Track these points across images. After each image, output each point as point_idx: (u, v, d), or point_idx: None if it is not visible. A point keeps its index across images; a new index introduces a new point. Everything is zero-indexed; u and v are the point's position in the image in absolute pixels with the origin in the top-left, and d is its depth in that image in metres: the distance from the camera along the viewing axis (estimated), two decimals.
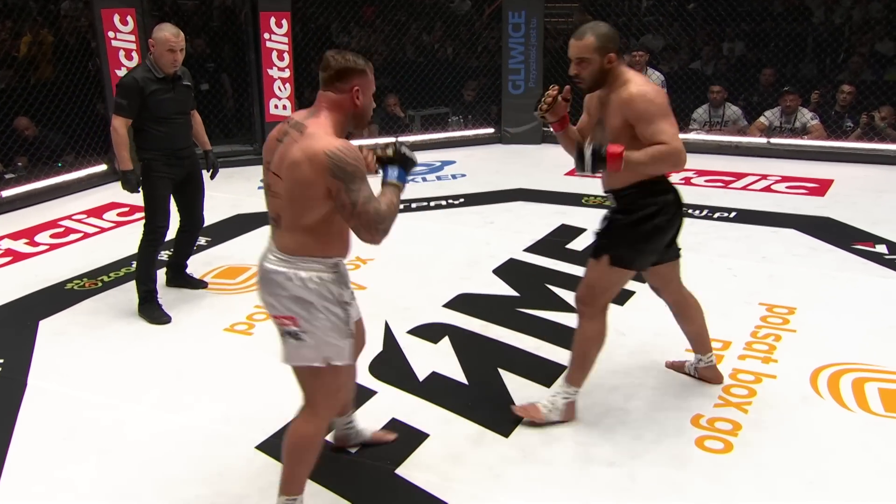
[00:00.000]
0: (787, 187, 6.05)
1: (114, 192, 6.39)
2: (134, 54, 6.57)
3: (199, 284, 4.40)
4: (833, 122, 6.94)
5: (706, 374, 3.21)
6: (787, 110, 6.97)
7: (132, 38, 6.54)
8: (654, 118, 2.58)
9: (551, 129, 2.95)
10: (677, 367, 3.30)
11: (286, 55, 7.05)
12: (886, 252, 4.61)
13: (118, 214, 5.83)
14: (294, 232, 2.22)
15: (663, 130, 2.57)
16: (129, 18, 6.49)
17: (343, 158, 2.09)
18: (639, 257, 2.81)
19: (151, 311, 3.99)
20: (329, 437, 2.76)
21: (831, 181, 6.18)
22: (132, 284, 4.38)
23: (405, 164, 2.33)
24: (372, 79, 2.27)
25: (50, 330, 3.90)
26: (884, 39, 7.29)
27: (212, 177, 4.38)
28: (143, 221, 4.06)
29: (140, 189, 4.00)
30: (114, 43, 6.47)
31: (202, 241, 5.11)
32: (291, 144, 2.16)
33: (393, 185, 2.28)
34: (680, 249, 2.99)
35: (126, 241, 5.16)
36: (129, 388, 3.31)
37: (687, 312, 3.09)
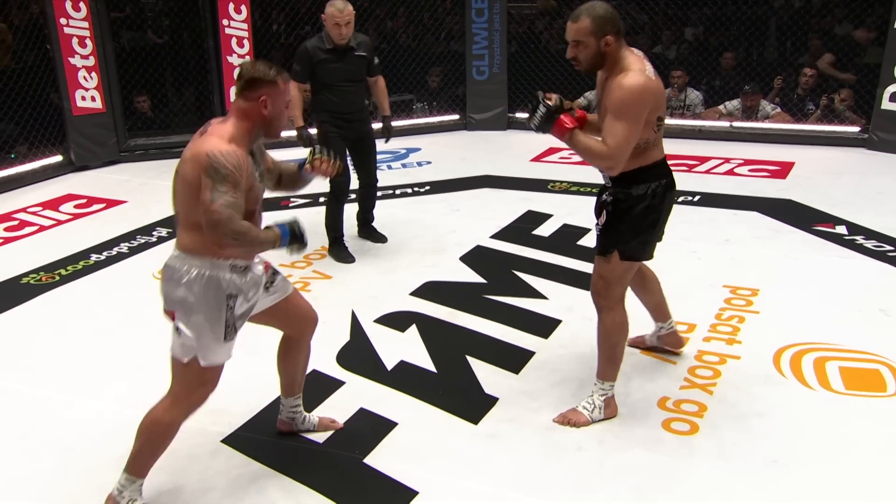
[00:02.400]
0: (750, 170, 6.12)
1: (70, 183, 6.27)
2: (88, 41, 6.40)
3: (381, 238, 4.78)
4: (794, 105, 7.04)
5: (669, 341, 3.26)
6: (749, 109, 7.04)
7: (85, 24, 6.36)
8: (617, 115, 2.53)
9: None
10: (637, 343, 3.31)
11: (246, 42, 6.93)
12: (846, 233, 4.69)
13: (75, 206, 5.70)
14: (187, 230, 2.29)
15: (615, 133, 2.52)
16: (81, 5, 6.31)
17: (221, 161, 2.16)
18: (647, 248, 2.81)
19: (338, 252, 4.53)
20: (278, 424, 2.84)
21: (792, 164, 6.27)
22: (91, 277, 4.32)
23: (293, 238, 2.32)
24: (284, 89, 2.32)
25: (6, 325, 3.80)
26: (842, 22, 7.38)
27: (385, 140, 4.75)
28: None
29: (311, 144, 4.32)
30: (66, 30, 6.29)
31: (163, 232, 5.03)
32: (191, 143, 2.27)
33: (275, 231, 2.29)
34: (661, 235, 2.95)
35: (84, 233, 5.06)
36: (89, 383, 3.24)
37: (648, 285, 3.12)
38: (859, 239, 4.57)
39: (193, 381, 2.37)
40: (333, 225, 4.58)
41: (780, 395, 3.03)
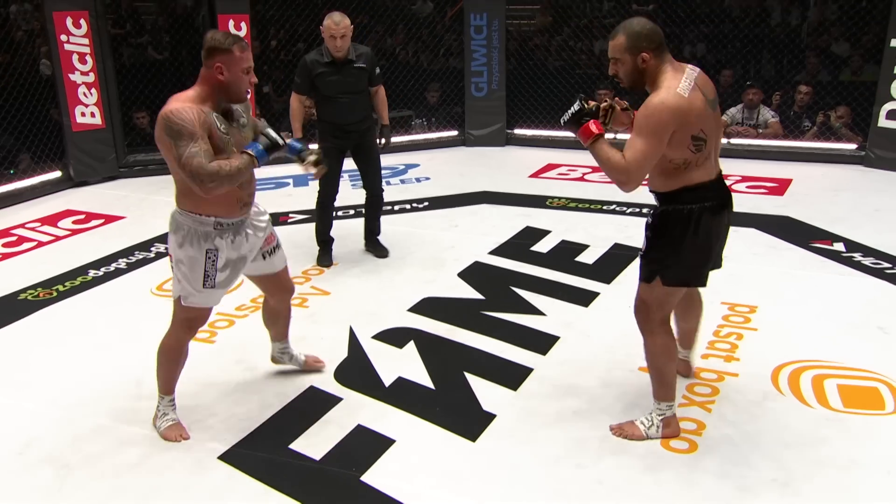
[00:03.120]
0: (748, 187, 6.14)
1: (68, 199, 6.28)
2: (88, 58, 6.43)
3: (383, 252, 4.81)
4: (791, 122, 7.08)
5: (680, 367, 3.16)
6: (750, 104, 7.08)
7: (86, 41, 6.40)
8: (637, 131, 2.48)
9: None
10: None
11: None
12: (844, 250, 4.70)
13: (73, 222, 5.70)
14: (177, 189, 2.66)
15: (633, 147, 2.47)
16: (82, 21, 6.35)
17: (171, 118, 2.47)
18: (693, 273, 2.70)
19: (321, 256, 4.70)
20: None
21: (790, 180, 6.29)
22: (89, 293, 4.32)
23: (267, 145, 2.62)
24: (241, 56, 2.56)
25: (4, 341, 3.79)
26: (839, 41, 7.44)
27: (382, 148, 4.76)
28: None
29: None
30: (66, 46, 6.32)
31: (161, 247, 5.02)
32: None
33: (246, 154, 2.59)
34: (721, 261, 2.87)
35: (82, 249, 5.06)
36: (87, 399, 3.22)
37: (689, 311, 3.06)
38: (857, 256, 4.58)
39: (179, 316, 2.79)
40: (319, 229, 4.72)
41: (778, 412, 3.02)
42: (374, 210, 4.83)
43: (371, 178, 4.70)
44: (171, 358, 2.88)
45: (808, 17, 7.69)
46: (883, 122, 6.53)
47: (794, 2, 7.81)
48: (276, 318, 3.21)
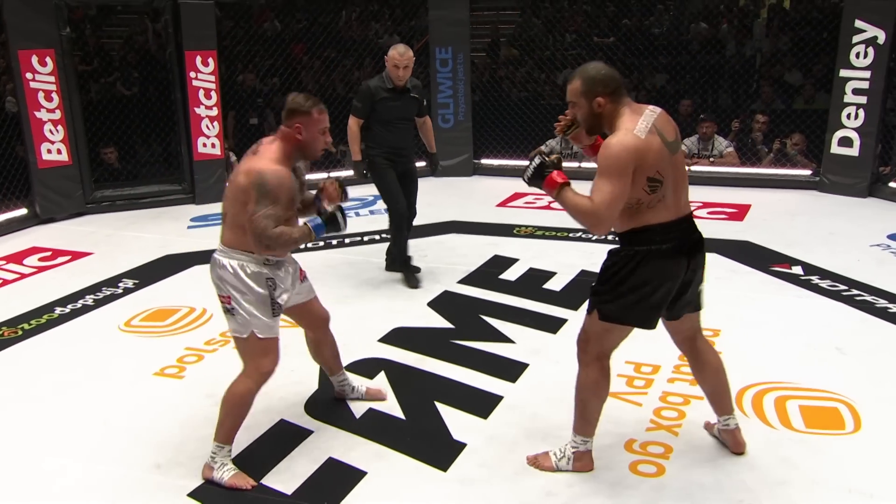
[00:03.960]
0: (709, 213, 6.29)
1: (34, 236, 6.21)
2: (54, 95, 6.42)
3: (413, 269, 4.90)
4: (749, 149, 7.28)
5: (724, 439, 2.98)
6: (704, 137, 7.30)
7: (52, 78, 6.39)
8: (601, 173, 2.48)
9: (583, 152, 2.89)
10: (709, 427, 3.09)
11: (213, 93, 6.99)
12: (802, 273, 4.83)
13: (39, 259, 5.64)
14: (232, 228, 2.77)
15: (600, 189, 2.46)
16: (48, 59, 6.34)
17: (266, 179, 2.64)
18: (630, 314, 2.64)
19: (408, 277, 4.86)
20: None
21: (749, 206, 6.45)
22: (55, 331, 4.28)
23: (330, 224, 2.85)
24: (318, 118, 2.76)
25: None
26: (791, 70, 7.70)
27: (432, 172, 5.19)
28: (386, 208, 4.90)
29: (367, 176, 4.86)
30: (32, 84, 6.30)
31: (129, 283, 5.00)
32: (245, 159, 2.77)
33: (306, 227, 2.79)
34: (698, 303, 2.83)
35: (48, 286, 5.01)
36: (53, 440, 3.18)
37: (702, 370, 2.90)
38: (815, 279, 4.71)
39: (256, 353, 2.81)
40: (397, 251, 4.92)
41: (742, 434, 3.08)
42: (405, 232, 4.97)
43: (413, 200, 4.94)
44: (241, 406, 2.84)
45: (762, 49, 7.94)
46: (835, 148, 6.75)
47: (747, 34, 8.07)
48: (321, 349, 3.25)
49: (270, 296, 2.78)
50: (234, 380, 2.84)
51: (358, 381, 3.44)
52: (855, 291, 4.51)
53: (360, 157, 4.82)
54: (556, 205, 6.54)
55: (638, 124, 2.50)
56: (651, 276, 2.58)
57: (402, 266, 4.93)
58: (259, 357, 2.81)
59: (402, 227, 4.85)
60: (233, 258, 2.76)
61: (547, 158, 2.61)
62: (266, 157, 2.71)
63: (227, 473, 2.81)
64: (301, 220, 2.90)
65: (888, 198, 6.58)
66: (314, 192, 3.05)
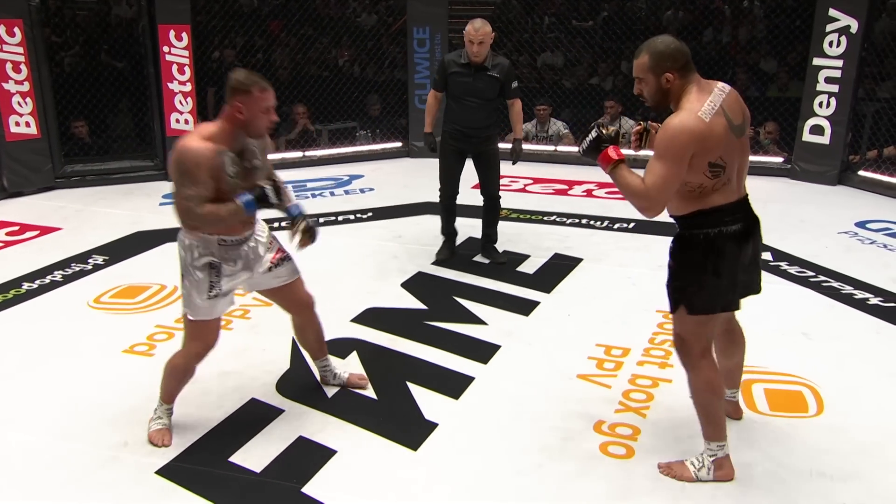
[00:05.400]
0: (745, 178, 6.32)
1: (1, 210, 6.09)
2: (22, 66, 6.27)
3: (498, 258, 4.90)
4: None
5: (727, 409, 2.95)
6: None
7: (20, 49, 6.22)
8: (657, 153, 2.41)
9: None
10: None
11: (187, 69, 6.88)
12: (771, 259, 4.89)
13: (7, 234, 5.54)
14: (177, 207, 2.69)
15: (654, 172, 2.40)
16: (16, 29, 6.19)
17: (183, 158, 2.58)
18: (717, 300, 2.57)
19: (440, 249, 4.97)
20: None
21: None
22: (22, 307, 4.23)
23: (260, 200, 2.71)
24: (260, 97, 2.64)
25: None
26: (767, 58, 7.75)
27: (513, 162, 4.89)
28: None
29: (435, 149, 4.93)
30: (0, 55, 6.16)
31: (99, 259, 4.93)
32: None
33: (235, 204, 2.67)
34: (759, 286, 2.78)
35: (15, 261, 4.92)
36: (19, 416, 3.15)
37: (729, 347, 2.92)
38: (784, 265, 4.78)
39: (189, 334, 2.86)
40: (443, 225, 5.01)
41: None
42: (489, 215, 4.95)
43: (487, 185, 4.86)
44: (177, 375, 2.94)
45: (737, 35, 7.99)
46: (807, 136, 6.83)
47: (724, 20, 8.11)
48: (305, 333, 3.21)
49: (209, 279, 2.77)
50: (176, 351, 2.94)
51: (340, 368, 3.40)
52: (822, 278, 4.59)
53: (430, 129, 4.85)
54: (531, 188, 6.61)
55: (704, 105, 2.40)
56: (728, 256, 2.52)
57: (445, 240, 5.02)
58: (189, 338, 2.87)
59: (445, 206, 4.92)
60: (181, 236, 2.78)
61: (604, 132, 2.52)
62: (195, 135, 2.64)
63: (153, 425, 2.95)
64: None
65: (857, 186, 6.69)
66: (291, 206, 2.97)
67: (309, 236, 2.95)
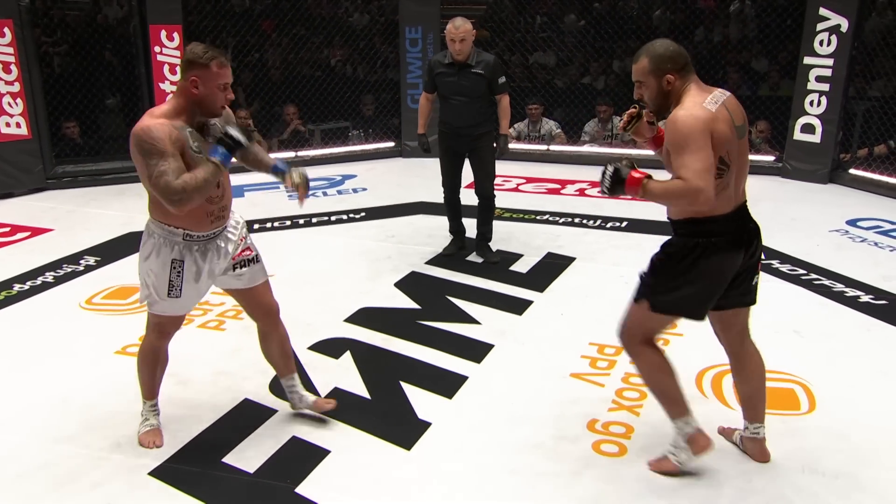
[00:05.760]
0: (743, 185, 6.34)
1: None
2: (13, 67, 6.25)
3: (491, 258, 4.89)
4: None
5: (748, 447, 2.85)
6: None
7: (10, 50, 6.22)
8: (679, 150, 2.35)
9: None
10: (727, 433, 2.97)
11: (178, 69, 6.85)
12: (763, 257, 4.89)
13: None
14: (149, 200, 2.65)
15: (685, 165, 2.32)
16: (6, 30, 6.16)
17: (142, 137, 2.45)
18: (683, 306, 2.56)
19: (448, 245, 5.04)
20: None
21: None
22: (13, 308, 4.21)
23: (229, 146, 2.53)
24: (218, 72, 2.52)
25: None
26: (758, 57, 7.79)
27: (497, 157, 4.85)
28: None
29: (428, 150, 5.04)
30: None
31: (91, 260, 4.91)
32: None
33: (211, 161, 2.52)
34: (753, 297, 2.71)
35: (6, 262, 4.90)
36: (10, 418, 3.13)
37: (742, 371, 2.80)
38: (775, 263, 4.80)
39: (149, 323, 2.83)
40: (450, 226, 5.07)
41: (702, 414, 3.10)
42: (483, 214, 4.95)
43: (480, 183, 4.86)
44: (147, 362, 2.91)
45: (729, 35, 8.02)
46: (798, 135, 6.87)
47: (715, 19, 8.14)
48: (268, 343, 2.99)
49: (169, 277, 2.67)
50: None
51: (306, 392, 3.09)
52: (814, 276, 4.61)
53: (422, 130, 4.89)
54: (524, 187, 6.62)
55: (707, 99, 2.42)
56: (711, 269, 2.50)
57: (453, 238, 5.07)
58: (150, 328, 2.84)
59: (448, 202, 4.96)
60: (150, 229, 2.69)
61: (620, 164, 2.47)
62: (146, 116, 2.51)
63: (142, 428, 2.93)
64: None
65: (848, 184, 6.72)
66: (277, 162, 2.92)
67: (305, 185, 2.88)
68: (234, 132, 2.53)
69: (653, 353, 2.66)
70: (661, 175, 2.48)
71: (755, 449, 2.84)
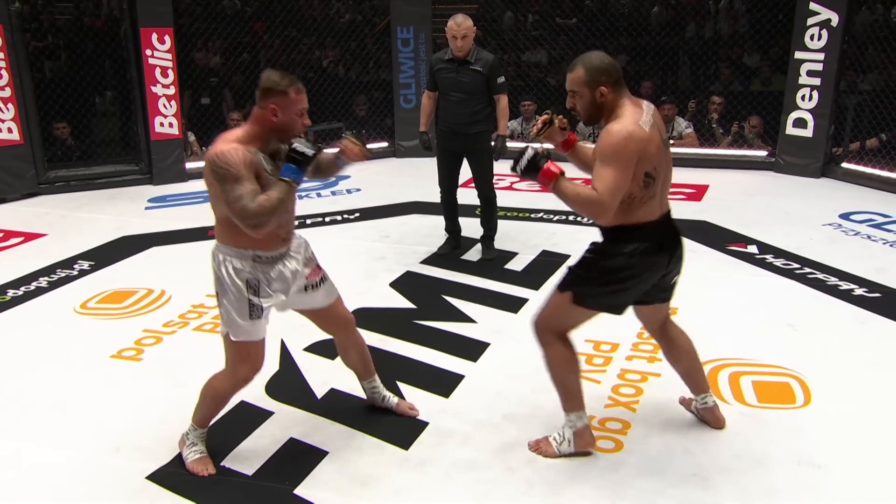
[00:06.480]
0: (668, 193, 6.36)
1: None
2: (3, 72, 6.23)
3: (487, 254, 4.94)
4: (706, 130, 7.39)
5: (704, 416, 3.02)
6: (665, 119, 7.39)
7: (1, 55, 6.19)
8: (605, 162, 2.44)
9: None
10: (686, 403, 3.13)
11: (170, 72, 6.85)
12: (757, 252, 4.93)
13: None
14: (217, 222, 2.59)
15: (602, 178, 2.42)
16: None
17: (217, 162, 2.42)
18: (605, 301, 2.66)
19: (442, 245, 5.04)
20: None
21: (707, 186, 6.56)
22: (6, 315, 4.23)
23: (298, 161, 2.48)
24: (295, 98, 2.51)
25: None
26: (751, 53, 7.80)
27: (495, 159, 4.83)
28: None
29: (430, 148, 5.03)
30: None
31: (85, 265, 4.90)
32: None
33: (282, 181, 2.48)
34: (670, 294, 2.82)
35: None
36: (7, 424, 3.12)
37: (671, 353, 2.95)
38: (769, 258, 4.82)
39: (234, 356, 2.68)
40: (446, 225, 5.08)
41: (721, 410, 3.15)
42: (485, 214, 4.98)
43: (478, 183, 4.88)
44: (216, 402, 2.78)
45: (720, 30, 8.04)
46: (790, 129, 6.89)
47: (706, 16, 8.15)
48: (347, 353, 3.06)
49: (248, 298, 2.59)
50: (217, 373, 2.75)
51: (388, 392, 3.17)
52: (807, 270, 4.63)
53: (424, 128, 4.93)
54: (518, 185, 6.62)
55: (643, 116, 2.50)
56: (636, 272, 2.60)
57: (448, 237, 5.09)
58: (235, 361, 2.68)
59: (444, 201, 4.97)
60: (220, 253, 2.60)
61: (539, 150, 2.53)
62: (220, 140, 2.49)
63: (192, 455, 2.79)
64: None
65: (840, 178, 6.75)
66: (334, 151, 2.84)
67: (360, 142, 2.79)
68: (300, 146, 2.48)
69: (564, 347, 2.74)
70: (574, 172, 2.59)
71: (709, 416, 3.01)
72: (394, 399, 3.16)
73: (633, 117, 2.48)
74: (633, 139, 2.43)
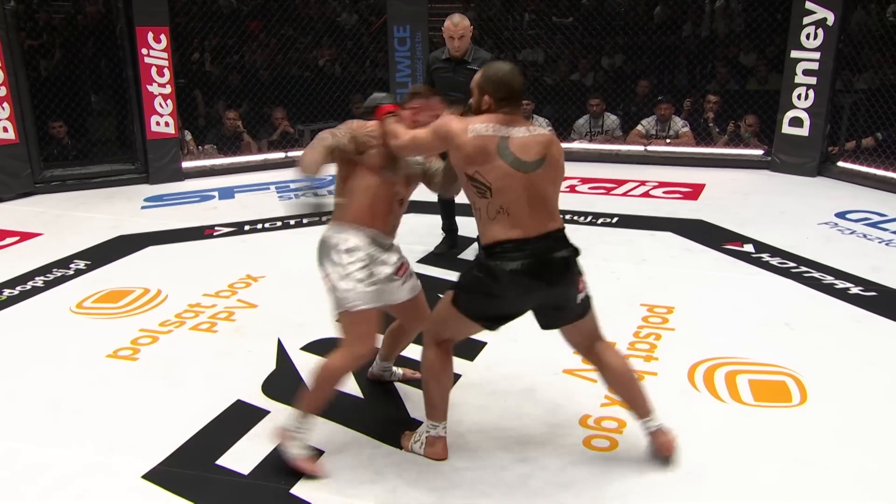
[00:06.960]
0: (664, 192, 6.38)
1: None
2: None
3: (452, 244, 5.05)
4: (702, 129, 7.40)
5: (657, 440, 2.79)
6: (662, 118, 7.40)
7: None
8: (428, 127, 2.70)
9: None
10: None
11: (167, 71, 6.84)
12: (753, 251, 4.94)
13: None
14: (337, 207, 2.87)
15: (417, 135, 2.69)
16: None
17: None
18: (466, 304, 2.67)
19: (439, 244, 5.06)
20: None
21: (703, 185, 6.56)
22: (2, 315, 4.21)
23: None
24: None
25: None
26: (747, 52, 7.81)
27: None
28: None
29: None
30: None
31: (81, 264, 4.90)
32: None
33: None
34: (579, 312, 2.73)
35: None
36: (3, 423, 3.11)
37: (606, 377, 2.83)
38: (765, 256, 4.83)
39: (353, 330, 2.72)
40: (442, 224, 5.10)
41: (694, 408, 3.16)
42: (445, 207, 5.02)
43: None
44: (330, 380, 2.75)
45: (716, 29, 8.05)
46: (786, 128, 6.90)
47: (702, 15, 8.16)
48: (399, 341, 3.24)
49: (368, 265, 2.75)
50: (331, 354, 2.77)
51: (397, 368, 3.41)
52: (804, 268, 4.63)
53: None
54: None
55: (480, 124, 2.56)
56: (498, 290, 2.58)
57: (445, 236, 5.12)
58: (357, 336, 2.72)
59: (441, 200, 4.92)
60: (330, 232, 2.83)
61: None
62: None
63: (301, 451, 2.74)
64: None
65: (836, 177, 6.76)
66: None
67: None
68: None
69: (437, 355, 2.76)
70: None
71: (657, 441, 2.79)
72: (399, 370, 3.39)
73: (475, 121, 2.58)
74: (444, 126, 2.59)
